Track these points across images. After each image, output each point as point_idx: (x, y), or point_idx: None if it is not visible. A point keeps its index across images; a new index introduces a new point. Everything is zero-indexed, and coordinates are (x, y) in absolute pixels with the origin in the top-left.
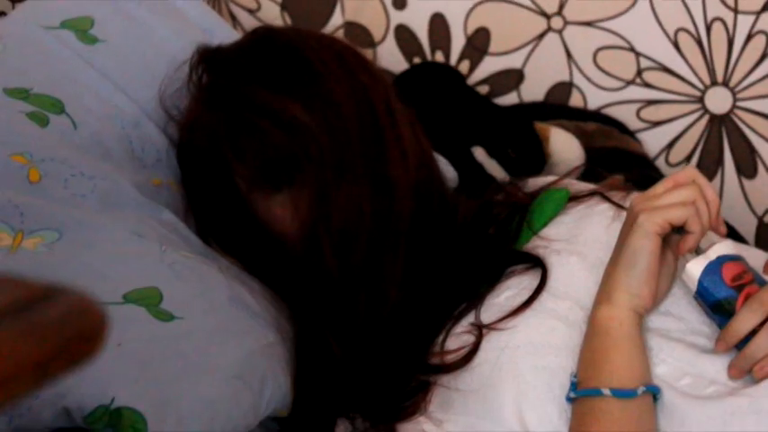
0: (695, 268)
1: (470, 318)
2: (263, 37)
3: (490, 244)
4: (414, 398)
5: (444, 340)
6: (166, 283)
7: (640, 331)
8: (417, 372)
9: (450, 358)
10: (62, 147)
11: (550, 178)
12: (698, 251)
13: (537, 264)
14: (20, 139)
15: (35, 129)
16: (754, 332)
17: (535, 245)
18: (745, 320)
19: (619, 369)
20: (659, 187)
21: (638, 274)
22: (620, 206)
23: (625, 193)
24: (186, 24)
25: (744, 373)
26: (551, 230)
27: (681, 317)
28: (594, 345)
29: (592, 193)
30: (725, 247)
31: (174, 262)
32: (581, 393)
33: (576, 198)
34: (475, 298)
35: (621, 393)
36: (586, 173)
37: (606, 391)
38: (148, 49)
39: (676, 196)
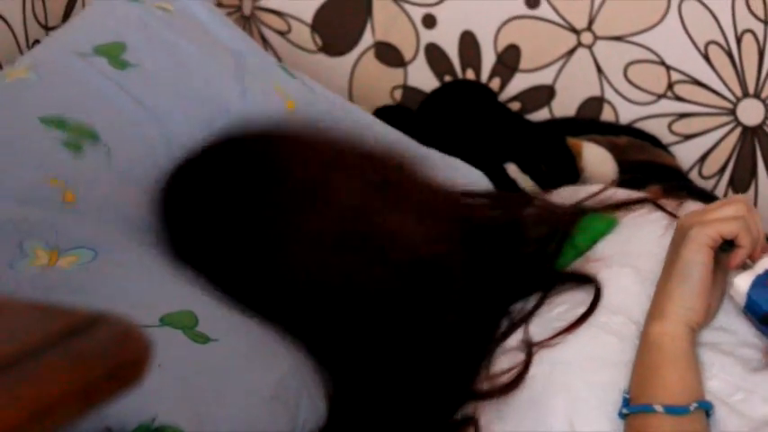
0: (743, 282)
1: (520, 334)
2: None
3: (526, 264)
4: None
5: (490, 363)
6: (200, 305)
7: (693, 346)
8: (466, 400)
9: (501, 380)
10: (97, 175)
11: (591, 188)
12: (745, 267)
13: (588, 282)
14: (56, 165)
15: (70, 157)
16: None
17: (583, 264)
18: None
19: (671, 385)
20: (711, 205)
21: (691, 288)
22: (673, 215)
23: (679, 202)
24: (218, 47)
25: None
26: (600, 247)
27: (731, 330)
28: (647, 361)
29: (643, 200)
30: None
31: (205, 291)
32: (633, 410)
33: (625, 205)
34: (519, 316)
35: (674, 410)
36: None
37: (659, 408)
38: (180, 70)
39: (727, 211)
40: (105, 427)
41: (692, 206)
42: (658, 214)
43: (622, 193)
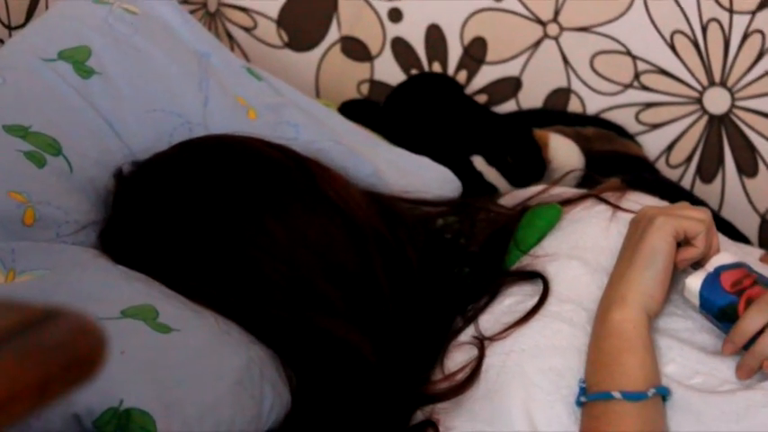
0: (694, 282)
1: (472, 329)
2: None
3: (473, 264)
4: None
5: (444, 361)
6: (160, 301)
7: (651, 333)
8: (423, 402)
9: (457, 379)
10: (58, 190)
11: (534, 189)
12: (695, 267)
13: (534, 277)
14: (18, 178)
15: (33, 169)
16: (760, 333)
17: (528, 262)
18: (752, 320)
19: (630, 371)
20: (676, 204)
21: (654, 276)
22: (616, 206)
23: (620, 194)
24: (183, 52)
25: (753, 371)
26: (546, 244)
27: (687, 315)
28: (606, 347)
29: (586, 196)
30: (722, 257)
31: (163, 289)
32: (592, 397)
33: (570, 201)
34: (469, 315)
35: (633, 396)
36: (586, 178)
37: (617, 395)
38: (144, 79)
39: (693, 212)
40: (73, 413)
41: (634, 197)
42: (601, 207)
43: (565, 191)
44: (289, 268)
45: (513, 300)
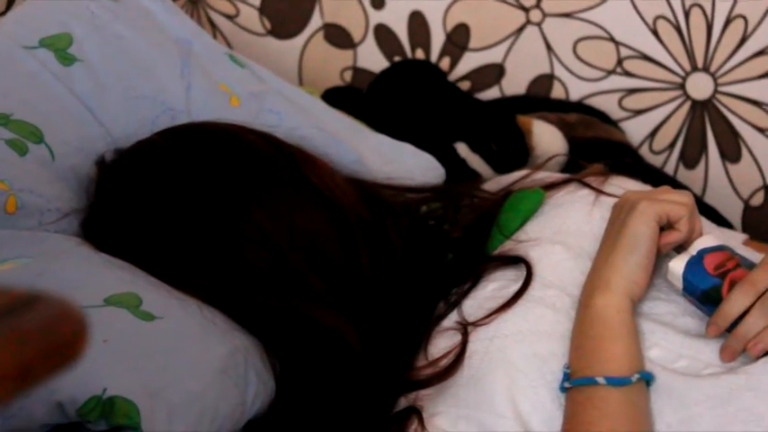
0: (678, 265)
1: (456, 315)
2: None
3: (455, 249)
4: (402, 423)
5: (428, 347)
6: (143, 289)
7: (634, 317)
8: (407, 388)
9: (441, 365)
10: (40, 178)
11: (517, 174)
12: (678, 251)
13: (517, 262)
14: (1, 166)
15: (15, 157)
16: (743, 315)
17: (511, 247)
18: (735, 302)
19: (614, 357)
20: (658, 188)
21: (638, 260)
22: (599, 191)
23: (603, 179)
24: (164, 39)
25: (736, 354)
26: (528, 229)
27: (670, 299)
28: (590, 332)
29: (568, 180)
30: (705, 240)
31: (147, 277)
32: (576, 383)
33: (552, 186)
34: (452, 300)
35: (617, 381)
36: (569, 164)
37: (601, 380)
38: (126, 66)
39: (676, 196)
40: (56, 402)
41: (617, 182)
42: (584, 191)
43: (548, 176)
44: (273, 256)
45: (497, 285)
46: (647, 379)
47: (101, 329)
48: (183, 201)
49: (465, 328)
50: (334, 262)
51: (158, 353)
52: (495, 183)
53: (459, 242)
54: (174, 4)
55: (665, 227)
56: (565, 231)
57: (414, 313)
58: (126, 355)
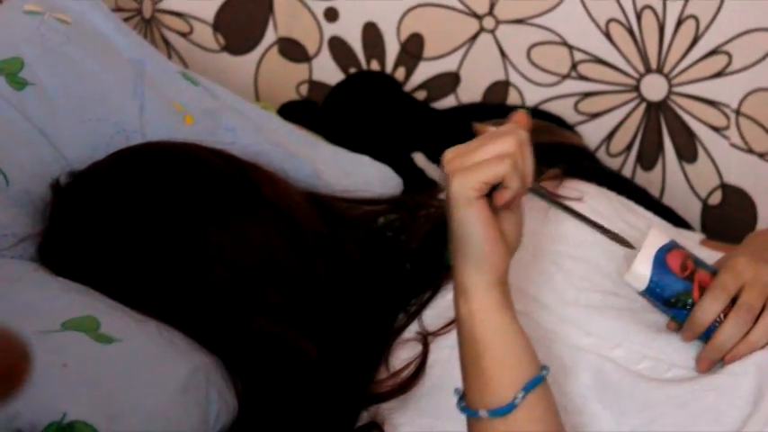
0: (642, 268)
1: (416, 325)
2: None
3: (413, 259)
4: None
5: (389, 359)
6: (102, 312)
7: (507, 308)
8: (369, 401)
9: (402, 377)
10: None
11: None
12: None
13: None
14: None
15: None
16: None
17: None
18: (709, 308)
19: (493, 381)
20: (474, 142)
21: (477, 250)
22: (554, 194)
23: (558, 182)
24: (117, 60)
25: (714, 364)
26: None
27: (627, 295)
28: (465, 353)
29: None
30: (658, 236)
31: (105, 299)
32: (465, 413)
33: None
34: (412, 311)
35: (500, 412)
36: None
37: (483, 413)
38: (79, 88)
39: (491, 149)
40: (16, 429)
41: (573, 185)
42: None
43: None
44: (231, 275)
45: None
46: (538, 381)
47: (59, 354)
48: (139, 222)
49: (425, 338)
50: (292, 278)
51: (118, 376)
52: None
53: (417, 252)
54: (127, 25)
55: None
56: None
57: (374, 325)
58: (85, 378)
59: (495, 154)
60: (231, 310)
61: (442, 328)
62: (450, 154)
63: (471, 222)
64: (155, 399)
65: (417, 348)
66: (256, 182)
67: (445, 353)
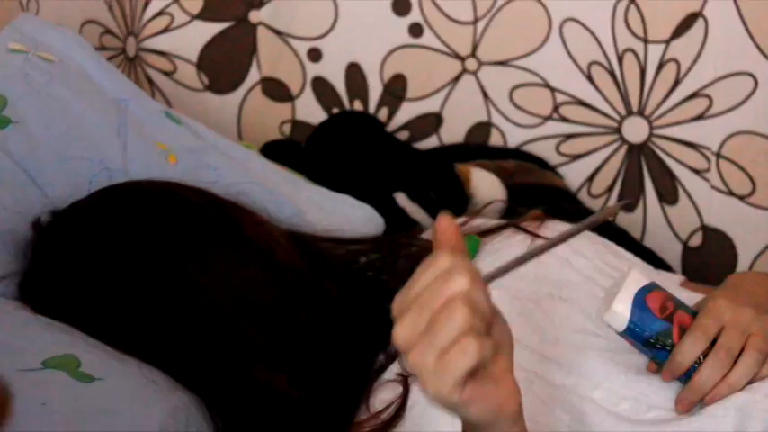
0: (622, 308)
1: (396, 366)
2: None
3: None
4: None
5: (369, 400)
6: (82, 351)
7: None
8: None
9: (382, 417)
10: None
11: (459, 221)
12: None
13: None
14: None
15: None
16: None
17: None
18: (689, 351)
19: None
20: (421, 309)
21: (492, 419)
22: (535, 234)
23: (539, 223)
24: (101, 98)
25: (693, 405)
26: None
27: (607, 335)
28: None
29: (505, 226)
30: (638, 277)
31: (86, 338)
32: None
33: (489, 232)
34: (392, 352)
35: None
36: (507, 210)
37: None
38: (62, 127)
39: (453, 325)
40: None
41: (554, 226)
42: (521, 236)
43: (485, 222)
44: (212, 315)
45: None
46: None
47: (39, 393)
48: (119, 261)
49: (406, 379)
50: (272, 318)
51: (98, 415)
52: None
53: (397, 292)
54: (110, 64)
55: None
56: None
57: (354, 366)
58: (65, 418)
59: (461, 329)
60: (210, 349)
61: None
62: (402, 329)
63: (472, 411)
64: None
65: (398, 389)
66: (237, 221)
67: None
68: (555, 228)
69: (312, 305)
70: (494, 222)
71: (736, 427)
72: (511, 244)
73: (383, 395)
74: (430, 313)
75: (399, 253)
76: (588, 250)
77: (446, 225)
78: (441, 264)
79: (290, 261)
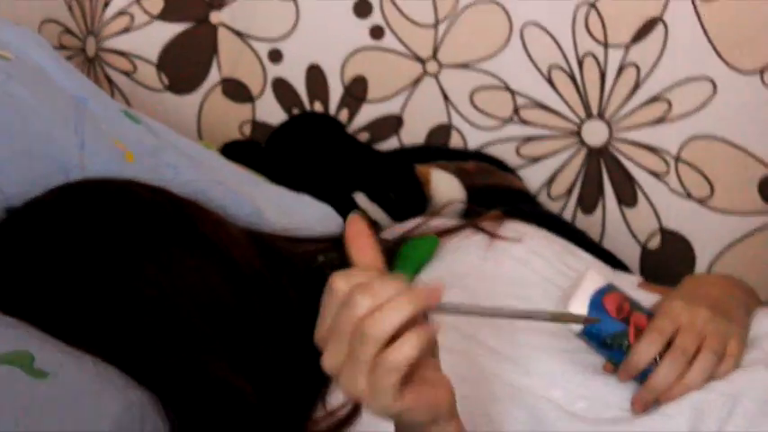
0: (579, 309)
1: None
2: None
3: None
4: None
5: (326, 398)
6: (36, 347)
7: None
8: None
9: (339, 415)
10: None
11: (413, 222)
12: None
13: None
14: None
15: None
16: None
17: None
18: (646, 352)
19: None
20: (338, 337)
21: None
22: (493, 234)
23: (498, 223)
24: (59, 96)
25: (649, 405)
26: (425, 275)
27: (567, 336)
28: None
29: (463, 226)
30: (595, 278)
31: (40, 334)
32: None
33: (448, 232)
34: None
35: None
36: (467, 211)
37: None
38: (18, 125)
39: (407, 349)
40: None
41: (512, 226)
42: (479, 236)
43: (444, 222)
44: (167, 312)
45: None
46: None
47: None
48: (74, 258)
49: None
50: (228, 316)
51: (51, 412)
52: (391, 231)
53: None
54: (69, 63)
55: None
56: (461, 274)
57: (311, 364)
58: (17, 414)
59: (373, 349)
60: (166, 346)
61: None
62: (327, 359)
63: (414, 415)
64: None
65: None
66: (194, 219)
67: None
68: (513, 228)
69: (269, 303)
70: (453, 222)
71: (691, 426)
72: (469, 243)
73: (340, 393)
74: (347, 338)
75: None
76: (546, 251)
77: (356, 231)
78: (338, 291)
79: (247, 259)
